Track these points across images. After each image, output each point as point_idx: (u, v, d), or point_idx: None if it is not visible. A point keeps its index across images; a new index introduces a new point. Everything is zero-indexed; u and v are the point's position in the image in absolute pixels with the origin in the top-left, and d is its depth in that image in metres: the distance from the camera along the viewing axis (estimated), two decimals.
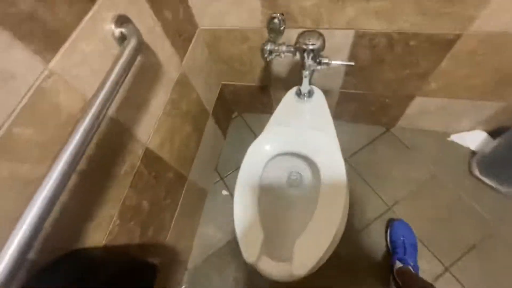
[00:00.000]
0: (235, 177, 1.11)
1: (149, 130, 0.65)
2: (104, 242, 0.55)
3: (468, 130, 1.02)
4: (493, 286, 0.81)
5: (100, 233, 0.54)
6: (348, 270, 0.89)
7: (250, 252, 0.61)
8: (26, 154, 0.38)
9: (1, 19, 0.32)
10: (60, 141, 0.37)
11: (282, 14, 0.71)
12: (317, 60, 0.64)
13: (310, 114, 0.77)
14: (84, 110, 0.39)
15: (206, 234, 1.03)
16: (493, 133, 0.97)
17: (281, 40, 0.77)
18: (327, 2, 0.65)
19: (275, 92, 1.07)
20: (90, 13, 0.44)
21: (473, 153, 1.00)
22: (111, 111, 0.52)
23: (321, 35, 0.60)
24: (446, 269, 0.85)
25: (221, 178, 1.14)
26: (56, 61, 0.40)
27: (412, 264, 0.79)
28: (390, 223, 0.92)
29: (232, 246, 1.00)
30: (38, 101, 0.38)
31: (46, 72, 0.39)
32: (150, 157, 0.67)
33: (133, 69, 0.48)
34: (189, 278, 0.96)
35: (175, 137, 0.78)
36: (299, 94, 0.79)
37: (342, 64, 0.66)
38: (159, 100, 0.68)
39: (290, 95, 0.83)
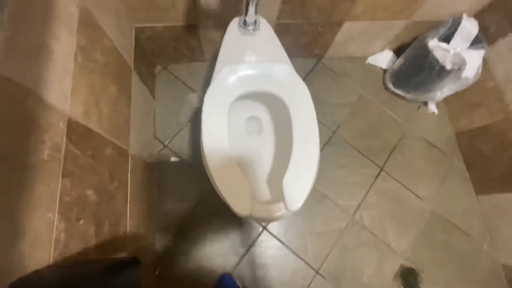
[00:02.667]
0: (180, 140, 1.00)
1: (64, 92, 0.45)
2: (52, 258, 0.39)
3: (380, 51, 1.17)
4: (412, 171, 1.06)
5: (43, 249, 0.37)
6: None
7: (242, 205, 0.56)
8: None
9: None
10: None
11: None
12: None
13: (262, 47, 0.70)
14: None
15: (166, 210, 0.92)
16: (398, 52, 1.15)
17: None
18: None
19: (206, 32, 0.92)
20: None
21: (385, 71, 1.18)
22: None
23: None
24: (381, 169, 1.05)
25: (165, 146, 0.99)
26: None
27: None
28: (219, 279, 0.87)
29: (199, 210, 0.93)
30: None
31: None
32: (78, 131, 0.48)
33: None
34: (160, 259, 0.86)
35: (100, 100, 0.58)
36: (244, 25, 0.69)
37: None
38: (64, 45, 0.46)
39: (233, 29, 0.71)
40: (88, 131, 0.51)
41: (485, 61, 0.96)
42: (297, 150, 0.62)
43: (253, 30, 0.69)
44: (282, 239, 0.93)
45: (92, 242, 0.50)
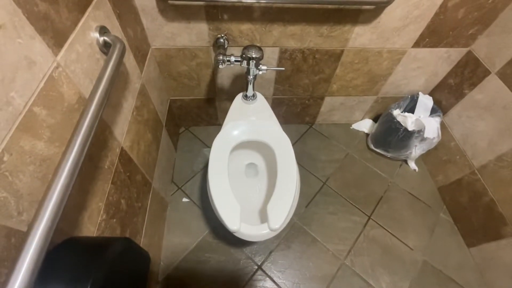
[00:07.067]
0: (192, 185, 1.20)
1: (123, 131, 0.70)
2: (95, 234, 0.56)
3: (361, 119, 1.43)
4: (400, 221, 1.14)
5: (92, 225, 0.55)
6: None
7: (232, 221, 0.71)
8: (41, 133, 0.41)
9: (28, 15, 0.39)
10: (65, 127, 0.45)
11: (226, 35, 0.91)
12: (258, 67, 0.86)
13: (258, 112, 0.97)
14: (88, 103, 0.45)
15: (173, 243, 1.04)
16: (376, 119, 1.41)
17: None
18: (259, 27, 0.90)
19: (220, 103, 1.24)
20: (82, 20, 0.52)
21: (367, 134, 1.41)
22: None
23: (260, 48, 0.82)
24: (369, 217, 1.15)
25: (179, 188, 1.18)
26: (61, 56, 0.46)
27: None
28: None
29: (201, 247, 1.04)
30: (49, 87, 0.43)
31: (55, 64, 0.45)
32: (125, 157, 0.71)
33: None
34: None
35: (140, 141, 0.83)
36: (245, 97, 0.98)
37: (275, 70, 0.90)
38: (128, 104, 0.74)
39: (238, 100, 1.01)
40: (129, 159, 0.74)
41: (444, 125, 1.17)
42: (280, 182, 0.79)
43: (251, 100, 0.98)
44: (275, 279, 0.98)
45: None
